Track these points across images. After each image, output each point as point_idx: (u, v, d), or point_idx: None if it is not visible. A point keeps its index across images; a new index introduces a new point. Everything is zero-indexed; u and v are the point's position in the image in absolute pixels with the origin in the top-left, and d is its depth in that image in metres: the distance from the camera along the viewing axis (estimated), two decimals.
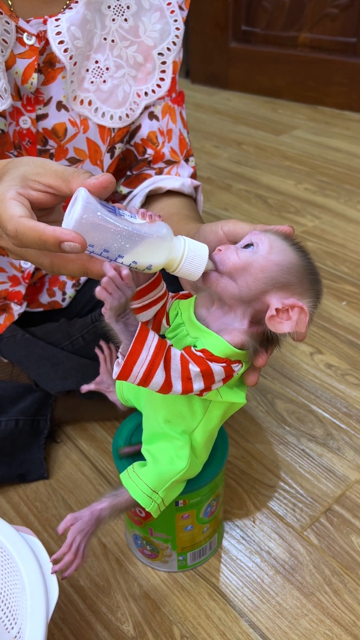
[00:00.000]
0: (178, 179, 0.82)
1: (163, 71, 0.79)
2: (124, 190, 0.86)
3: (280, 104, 2.25)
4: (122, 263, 0.48)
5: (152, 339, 0.50)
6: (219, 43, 2.37)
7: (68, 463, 0.86)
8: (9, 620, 0.63)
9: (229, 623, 0.67)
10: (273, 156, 1.83)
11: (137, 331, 0.49)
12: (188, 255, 0.50)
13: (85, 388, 0.70)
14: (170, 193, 0.81)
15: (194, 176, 0.86)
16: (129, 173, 0.85)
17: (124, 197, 0.86)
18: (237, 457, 0.86)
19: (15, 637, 0.60)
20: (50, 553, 0.62)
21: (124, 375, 0.50)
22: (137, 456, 0.64)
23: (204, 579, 0.71)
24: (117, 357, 0.51)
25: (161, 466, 0.57)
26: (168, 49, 0.79)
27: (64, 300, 0.90)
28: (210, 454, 0.63)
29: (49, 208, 0.53)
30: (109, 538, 0.76)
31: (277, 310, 0.50)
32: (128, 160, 0.84)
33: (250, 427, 0.90)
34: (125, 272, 0.47)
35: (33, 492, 0.82)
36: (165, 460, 0.58)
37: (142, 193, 0.81)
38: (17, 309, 0.87)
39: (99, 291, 0.48)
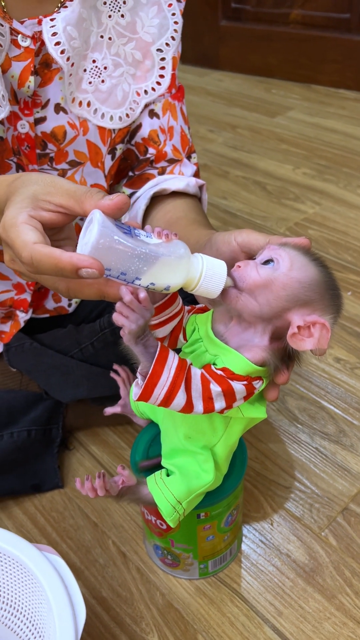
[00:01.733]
0: (182, 179, 0.80)
1: (162, 67, 0.77)
2: (126, 191, 0.84)
3: (274, 84, 2.21)
4: (139, 285, 0.47)
5: (173, 360, 0.49)
6: (209, 21, 2.31)
7: (82, 470, 0.86)
8: (33, 635, 0.63)
9: (253, 629, 0.67)
10: (269, 139, 1.80)
11: (157, 352, 0.48)
12: (206, 274, 0.48)
13: (109, 411, 0.70)
14: (175, 194, 0.79)
15: (197, 174, 0.85)
16: (131, 173, 0.83)
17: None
18: (252, 458, 0.86)
19: None
20: (70, 565, 0.62)
21: (145, 397, 0.49)
22: (157, 469, 0.64)
23: (226, 585, 0.71)
24: (137, 378, 0.51)
25: (189, 479, 0.57)
26: (167, 44, 0.76)
27: (70, 305, 0.89)
28: (229, 464, 0.63)
29: (61, 227, 0.51)
30: (129, 547, 0.76)
31: (298, 327, 0.49)
32: (129, 160, 0.82)
33: (262, 427, 0.90)
34: (142, 295, 0.46)
35: (49, 502, 0.82)
36: (192, 473, 0.57)
37: (146, 195, 0.79)
38: (22, 316, 0.86)
39: (115, 317, 0.47)
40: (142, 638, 0.67)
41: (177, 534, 0.65)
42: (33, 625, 0.63)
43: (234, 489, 0.64)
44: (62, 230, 0.52)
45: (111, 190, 0.86)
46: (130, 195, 0.84)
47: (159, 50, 0.76)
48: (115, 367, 0.71)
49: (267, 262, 0.51)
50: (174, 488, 0.57)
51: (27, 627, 0.63)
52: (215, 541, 0.68)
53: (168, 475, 0.59)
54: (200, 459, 0.57)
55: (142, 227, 0.82)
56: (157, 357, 0.48)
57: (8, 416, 0.82)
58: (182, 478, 0.57)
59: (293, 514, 0.78)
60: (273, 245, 0.52)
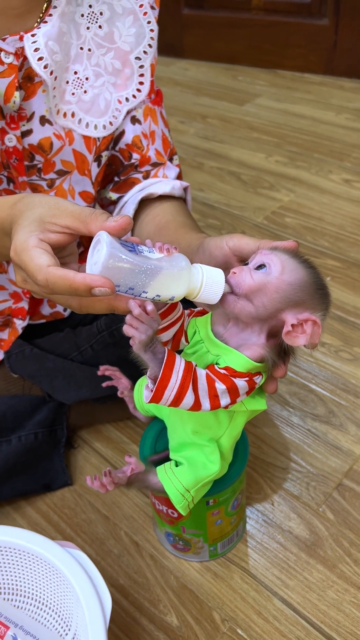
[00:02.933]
0: (168, 182, 0.83)
1: (141, 75, 0.80)
2: (113, 196, 0.87)
3: (240, 70, 2.24)
4: (146, 297, 0.50)
5: (180, 364, 0.53)
6: (171, 10, 2.32)
7: (89, 467, 0.90)
8: (62, 627, 0.67)
9: (263, 602, 0.72)
10: (240, 128, 1.84)
11: (165, 358, 0.52)
12: (206, 283, 0.52)
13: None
14: (161, 197, 0.83)
15: (179, 175, 0.88)
16: (116, 179, 0.86)
17: (114, 202, 0.87)
18: (249, 443, 0.90)
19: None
20: (88, 557, 0.66)
21: (156, 399, 0.53)
22: (166, 461, 0.68)
23: (234, 564, 0.77)
24: (147, 382, 0.54)
25: (197, 469, 0.61)
26: (144, 52, 0.79)
27: (65, 310, 0.92)
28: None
29: (65, 246, 0.55)
30: (140, 536, 0.80)
31: (292, 325, 0.54)
32: (114, 165, 0.85)
33: None
34: (150, 307, 0.50)
35: (60, 499, 0.86)
36: (199, 464, 0.62)
37: (134, 199, 0.82)
38: (20, 324, 0.89)
39: (126, 329, 0.50)
40: (161, 619, 0.72)
41: (188, 520, 0.70)
42: (60, 617, 0.67)
43: (239, 475, 0.68)
44: (66, 247, 0.55)
45: (97, 195, 0.88)
46: (117, 200, 0.87)
47: (137, 58, 0.78)
48: (101, 371, 0.74)
49: (260, 267, 0.55)
50: (183, 477, 0.61)
51: (55, 619, 0.67)
52: (223, 525, 0.73)
53: (177, 466, 0.64)
54: (207, 450, 0.62)
55: (133, 233, 0.85)
56: (165, 362, 0.52)
57: (14, 421, 0.85)
58: (190, 468, 0.62)
59: (292, 493, 0.84)
60: (264, 250, 0.56)
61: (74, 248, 0.57)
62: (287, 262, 0.54)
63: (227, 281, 0.54)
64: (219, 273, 0.53)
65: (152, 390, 0.53)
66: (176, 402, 0.53)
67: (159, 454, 0.70)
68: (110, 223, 0.49)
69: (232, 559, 0.77)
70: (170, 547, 0.78)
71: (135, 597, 0.74)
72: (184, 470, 0.62)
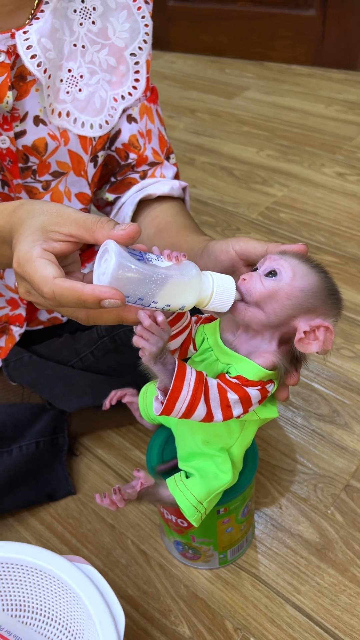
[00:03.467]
0: (166, 182, 0.81)
1: (137, 72, 0.78)
2: (110, 197, 0.85)
3: (227, 63, 2.21)
4: (156, 308, 0.48)
5: (191, 375, 0.51)
6: (157, 2, 2.26)
7: (91, 475, 0.88)
8: None
9: (275, 609, 0.71)
10: (229, 122, 1.82)
11: (176, 369, 0.51)
12: (217, 291, 0.51)
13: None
14: (160, 198, 0.81)
15: (177, 174, 0.86)
16: (113, 179, 0.84)
17: (110, 203, 0.85)
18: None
19: None
20: (96, 568, 0.65)
21: (167, 411, 0.51)
22: (174, 471, 0.66)
23: (245, 570, 0.75)
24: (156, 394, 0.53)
25: (208, 480, 0.60)
26: (140, 48, 0.77)
27: (63, 315, 0.90)
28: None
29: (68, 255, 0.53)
30: (148, 544, 0.79)
31: (304, 332, 0.52)
32: (110, 166, 0.83)
33: None
34: (160, 318, 0.48)
35: (63, 509, 0.84)
36: (210, 475, 0.60)
37: (132, 200, 0.80)
38: (17, 330, 0.87)
39: (136, 340, 0.49)
40: (173, 630, 0.70)
41: (198, 529, 0.69)
42: (70, 632, 0.65)
43: (249, 483, 0.67)
44: (68, 256, 0.53)
45: (94, 196, 0.86)
46: (115, 201, 0.85)
47: (132, 54, 0.76)
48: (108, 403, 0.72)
49: (270, 273, 0.53)
50: (195, 489, 0.60)
51: (64, 635, 0.66)
52: (233, 532, 0.71)
53: (187, 477, 0.62)
54: (218, 460, 0.60)
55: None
56: (176, 373, 0.50)
57: (14, 430, 0.83)
58: (202, 480, 0.60)
59: (299, 496, 0.83)
60: (274, 255, 0.54)
61: (76, 256, 0.55)
62: (297, 267, 0.53)
63: (237, 289, 0.53)
64: (229, 280, 0.52)
65: (162, 403, 0.51)
66: (188, 414, 0.51)
67: (167, 462, 0.68)
68: (117, 232, 0.47)
69: (242, 566, 0.76)
70: (179, 556, 0.76)
71: (146, 607, 0.73)
72: (195, 482, 0.60)
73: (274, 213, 1.40)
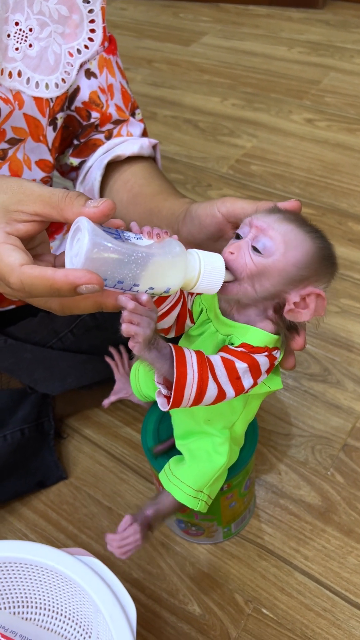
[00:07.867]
0: (135, 141, 0.75)
1: (92, 21, 0.70)
2: (74, 161, 0.78)
3: (181, 7, 2.09)
4: (137, 291, 0.44)
5: (191, 356, 0.47)
6: None
7: (82, 457, 0.84)
8: (81, 635, 0.63)
9: (285, 578, 0.70)
10: (189, 71, 1.72)
11: (175, 354, 0.46)
12: (205, 271, 0.46)
13: (107, 402, 0.68)
14: (130, 159, 0.75)
15: (145, 131, 0.80)
16: (75, 142, 0.77)
17: (75, 168, 0.79)
18: None
19: None
20: (95, 553, 0.62)
21: (177, 402, 0.47)
22: (172, 451, 0.63)
23: (250, 541, 0.74)
24: (158, 389, 0.49)
25: (200, 464, 0.57)
26: None
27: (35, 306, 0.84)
28: None
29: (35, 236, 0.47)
30: None
31: (294, 303, 0.48)
32: (71, 127, 0.76)
33: None
34: (144, 297, 0.43)
35: (56, 496, 0.80)
36: (203, 456, 0.57)
37: (99, 164, 0.74)
38: None
39: (126, 328, 0.43)
40: (183, 609, 0.69)
41: None
42: (79, 626, 0.63)
43: (251, 457, 0.64)
44: (35, 237, 0.48)
45: (56, 162, 0.80)
46: (80, 165, 0.78)
47: (85, 1, 0.69)
48: (111, 349, 0.68)
49: (258, 247, 0.48)
50: (187, 479, 0.56)
51: (73, 627, 0.63)
52: (236, 506, 0.69)
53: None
54: (216, 441, 0.57)
55: (101, 196, 0.76)
56: (176, 359, 0.46)
57: None
58: (193, 464, 0.57)
59: (298, 460, 0.81)
60: (261, 220, 0.49)
61: (44, 236, 0.49)
62: (289, 235, 0.48)
63: (226, 267, 0.48)
64: (217, 258, 0.47)
65: (166, 396, 0.47)
66: (198, 398, 0.47)
67: (164, 442, 0.65)
68: (89, 209, 0.41)
69: (246, 537, 0.74)
70: (181, 533, 0.74)
71: (152, 589, 0.71)
72: (185, 470, 0.57)
73: (245, 166, 1.34)
